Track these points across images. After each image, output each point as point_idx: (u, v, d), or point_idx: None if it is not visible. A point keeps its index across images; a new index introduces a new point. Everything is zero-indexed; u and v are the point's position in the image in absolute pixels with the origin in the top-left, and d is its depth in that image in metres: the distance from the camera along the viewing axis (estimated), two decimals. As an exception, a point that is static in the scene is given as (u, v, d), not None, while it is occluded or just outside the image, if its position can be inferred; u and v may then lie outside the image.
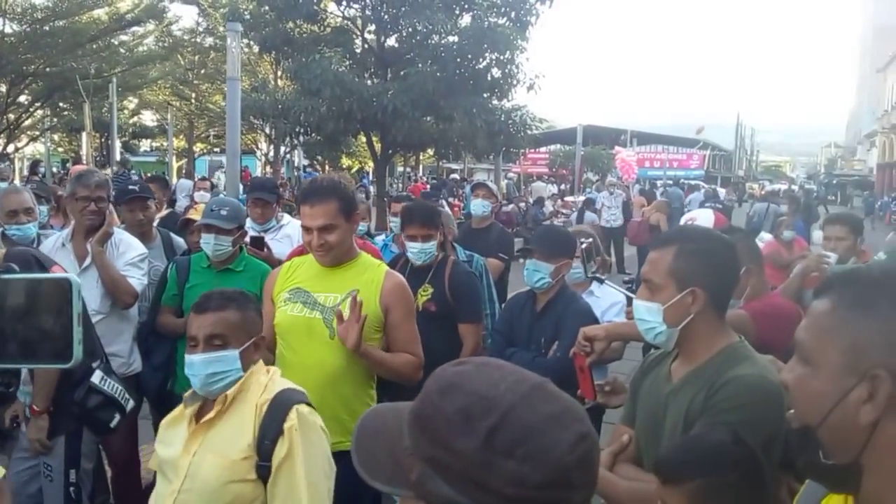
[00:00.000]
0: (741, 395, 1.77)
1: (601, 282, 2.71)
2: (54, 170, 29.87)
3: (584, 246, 2.58)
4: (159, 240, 4.32)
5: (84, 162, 24.98)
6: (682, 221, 3.42)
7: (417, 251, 3.70)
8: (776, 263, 5.95)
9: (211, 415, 2.15)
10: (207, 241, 3.66)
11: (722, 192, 27.16)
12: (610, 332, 2.65)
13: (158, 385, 3.82)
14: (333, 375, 2.75)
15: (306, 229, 2.77)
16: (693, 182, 28.53)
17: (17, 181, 24.62)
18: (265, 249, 4.46)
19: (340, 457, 2.06)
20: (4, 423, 3.15)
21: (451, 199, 15.70)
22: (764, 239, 8.33)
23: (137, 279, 3.76)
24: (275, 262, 4.47)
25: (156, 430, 4.34)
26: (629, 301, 2.73)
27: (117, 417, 3.23)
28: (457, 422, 0.91)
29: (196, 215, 4.16)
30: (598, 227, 13.10)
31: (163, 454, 2.22)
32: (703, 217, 3.35)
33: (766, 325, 2.74)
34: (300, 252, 3.51)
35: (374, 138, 18.25)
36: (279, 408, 2.10)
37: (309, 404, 2.18)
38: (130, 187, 4.26)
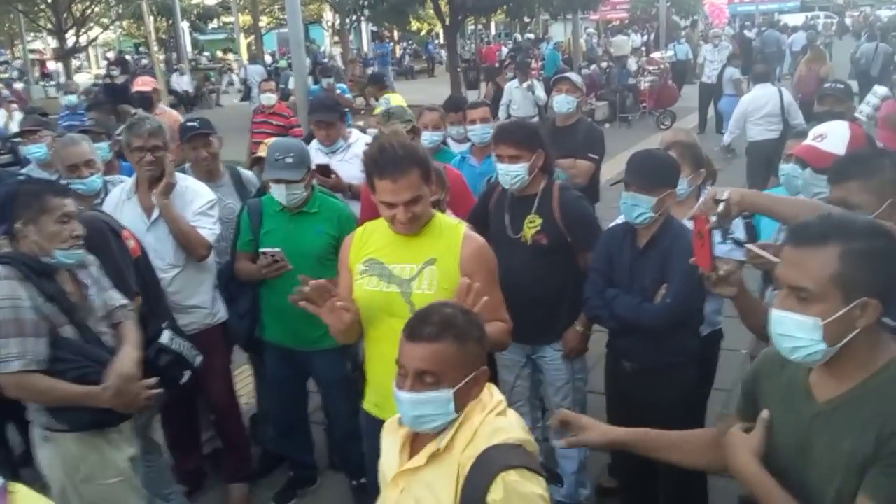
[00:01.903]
0: None
1: (741, 245, 2.34)
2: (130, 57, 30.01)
3: (720, 209, 2.23)
4: (228, 176, 4.09)
5: (152, 47, 24.82)
6: (809, 137, 2.89)
7: (503, 173, 3.34)
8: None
9: (420, 462, 1.86)
10: (280, 193, 3.42)
11: (822, 22, 24.84)
12: (745, 197, 2.28)
13: (246, 332, 3.72)
14: None
15: (389, 205, 2.49)
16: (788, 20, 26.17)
17: (93, 73, 24.89)
18: (332, 176, 4.21)
19: None
20: None
21: (528, 60, 14.69)
22: (879, 94, 7.47)
23: (209, 229, 3.58)
24: (344, 188, 4.24)
25: (251, 364, 4.36)
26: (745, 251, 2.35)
27: (187, 374, 3.23)
28: None
29: (264, 152, 3.89)
30: (741, 85, 11.82)
31: (381, 464, 2.02)
32: (834, 132, 2.82)
33: None
34: None
35: (441, 3, 17.32)
36: (482, 472, 1.72)
37: (528, 468, 1.74)
38: (190, 124, 3.98)
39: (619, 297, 3.04)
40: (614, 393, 3.30)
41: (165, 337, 3.15)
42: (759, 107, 7.88)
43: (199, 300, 3.67)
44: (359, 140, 4.55)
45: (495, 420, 1.83)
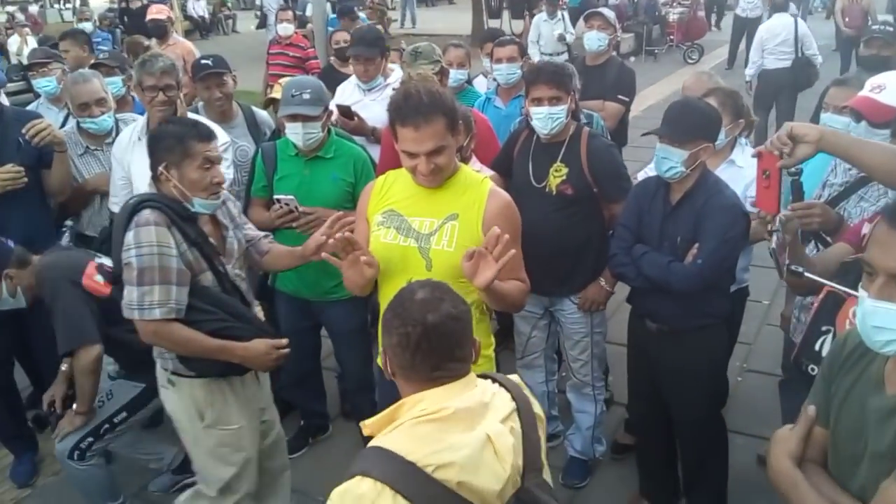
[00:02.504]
0: None
1: (800, 275, 2.14)
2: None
3: (774, 242, 2.07)
4: (241, 116, 3.92)
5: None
6: (866, 88, 2.67)
7: (543, 117, 3.13)
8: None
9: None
10: (296, 132, 3.26)
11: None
12: (826, 136, 2.04)
13: (259, 280, 3.64)
14: None
15: (410, 155, 2.34)
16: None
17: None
18: (354, 119, 4.03)
19: None
20: (42, 408, 3.15)
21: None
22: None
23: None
24: (367, 131, 4.06)
25: (263, 312, 4.27)
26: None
27: None
28: None
29: (278, 92, 3.71)
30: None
31: None
32: (894, 83, 2.61)
33: None
34: None
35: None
36: (352, 467, 1.55)
37: (391, 487, 1.46)
38: (203, 62, 3.78)
39: (648, 254, 2.89)
40: (637, 353, 3.20)
41: None
42: (774, 35, 7.96)
43: (212, 246, 3.56)
44: (398, 81, 4.33)
45: (418, 427, 1.54)
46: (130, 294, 2.45)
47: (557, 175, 3.21)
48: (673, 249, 2.84)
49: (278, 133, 3.70)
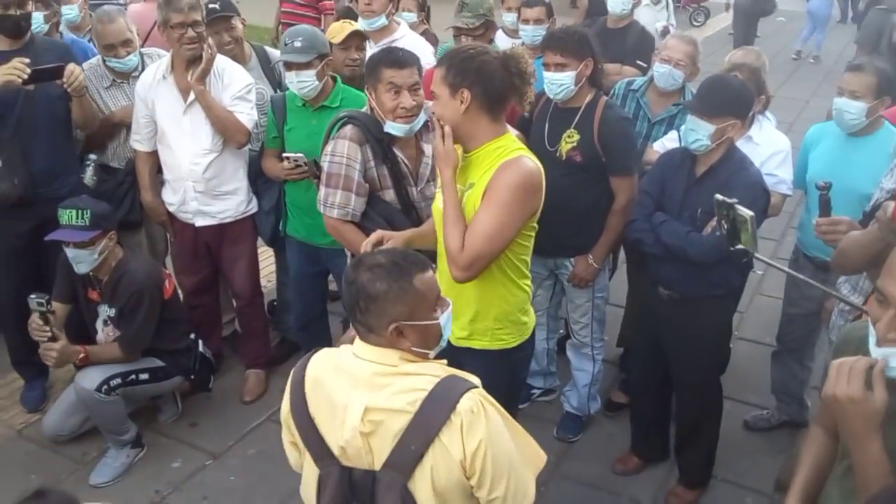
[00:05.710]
0: None
1: (745, 253, 2.28)
2: None
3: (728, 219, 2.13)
4: (255, 58, 3.88)
5: None
6: None
7: (548, 82, 3.19)
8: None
9: None
10: (291, 81, 3.34)
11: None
12: None
13: (272, 228, 3.71)
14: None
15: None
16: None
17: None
18: None
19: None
20: None
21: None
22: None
23: (247, 114, 3.46)
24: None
25: (276, 258, 4.32)
26: None
27: (212, 378, 3.83)
28: None
29: None
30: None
31: None
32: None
33: None
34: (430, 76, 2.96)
35: None
36: None
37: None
38: (211, 6, 3.66)
39: (667, 223, 2.96)
40: (645, 316, 3.31)
41: (200, 346, 3.66)
42: None
43: (234, 186, 3.60)
44: (405, 36, 4.21)
45: (335, 355, 1.85)
46: (320, 192, 2.91)
47: (569, 141, 3.24)
48: (692, 221, 2.91)
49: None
